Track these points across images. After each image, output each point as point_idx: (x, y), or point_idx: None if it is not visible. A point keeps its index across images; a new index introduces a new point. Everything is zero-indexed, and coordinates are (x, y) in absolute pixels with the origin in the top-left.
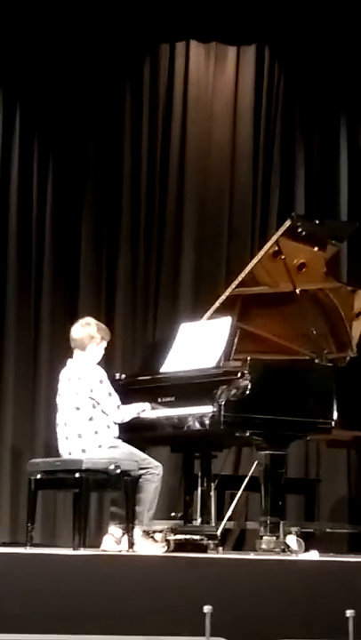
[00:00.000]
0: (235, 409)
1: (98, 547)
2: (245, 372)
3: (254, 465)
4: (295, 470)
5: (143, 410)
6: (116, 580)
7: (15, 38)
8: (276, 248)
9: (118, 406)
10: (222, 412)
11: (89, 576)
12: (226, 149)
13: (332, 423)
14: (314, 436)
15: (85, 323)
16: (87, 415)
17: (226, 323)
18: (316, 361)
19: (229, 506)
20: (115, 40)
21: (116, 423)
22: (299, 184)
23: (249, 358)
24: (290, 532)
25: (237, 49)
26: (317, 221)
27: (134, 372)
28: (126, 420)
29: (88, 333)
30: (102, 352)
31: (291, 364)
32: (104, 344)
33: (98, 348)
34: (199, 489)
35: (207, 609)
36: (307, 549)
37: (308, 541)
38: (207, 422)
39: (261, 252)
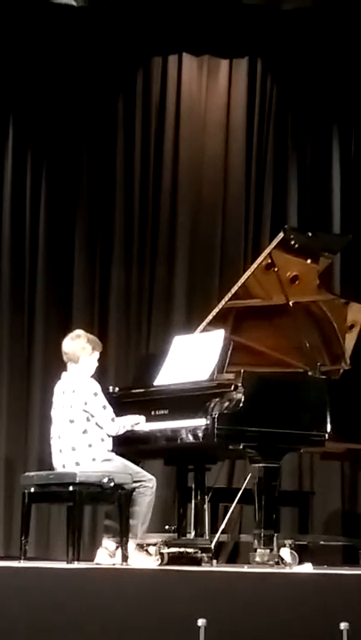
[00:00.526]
0: (228, 422)
1: (92, 560)
2: (239, 384)
3: (248, 477)
4: (289, 483)
5: (137, 423)
6: (109, 594)
7: (8, 51)
8: (269, 260)
9: (113, 419)
10: (216, 425)
11: (83, 589)
12: (218, 161)
13: (326, 436)
14: (307, 449)
15: (75, 335)
16: (81, 428)
17: (219, 335)
18: (310, 373)
19: (223, 518)
20: (107, 52)
21: (110, 436)
22: (291, 196)
23: (242, 371)
24: (284, 545)
25: (230, 62)
26: (310, 234)
27: (128, 384)
28: (121, 432)
29: (79, 346)
30: (96, 363)
31: (284, 377)
32: (96, 355)
33: (91, 359)
34: (193, 502)
35: (201, 622)
36: (301, 562)
37: (302, 554)
38: (201, 435)
39: (254, 265)
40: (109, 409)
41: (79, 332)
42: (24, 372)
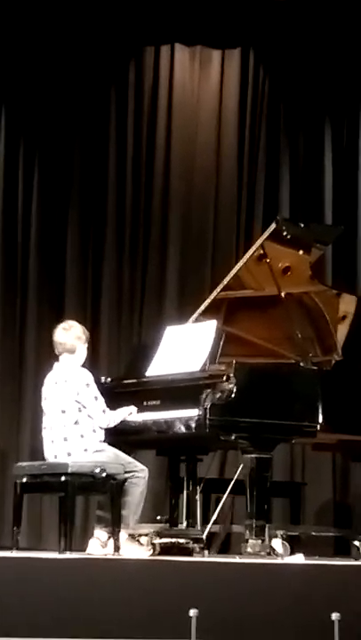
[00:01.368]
0: (220, 412)
1: (84, 550)
2: (231, 375)
3: (240, 468)
4: (281, 474)
5: (130, 414)
6: (101, 584)
7: None
8: (262, 251)
9: (104, 410)
10: (208, 416)
11: (75, 580)
12: (211, 152)
13: (318, 426)
14: (299, 440)
15: (69, 325)
16: (73, 419)
17: (211, 326)
18: (302, 364)
19: (215, 509)
20: (99, 43)
21: (101, 428)
22: (284, 187)
23: (234, 362)
24: (275, 536)
25: (222, 52)
26: (302, 225)
27: (120, 375)
28: (112, 425)
29: (74, 335)
30: (85, 353)
31: (276, 368)
32: (87, 344)
33: (83, 349)
34: (185, 492)
35: (193, 612)
36: (292, 553)
37: (294, 545)
38: (193, 426)
39: (246, 256)
40: (101, 400)
41: (71, 322)
42: (16, 362)
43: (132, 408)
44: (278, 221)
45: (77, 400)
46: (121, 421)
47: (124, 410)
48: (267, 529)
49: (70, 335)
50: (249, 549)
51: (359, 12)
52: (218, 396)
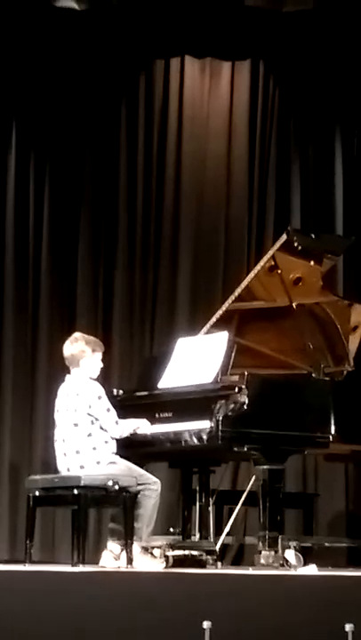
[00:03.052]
0: (232, 424)
1: (97, 563)
2: (243, 386)
3: (252, 480)
4: (293, 485)
5: (138, 427)
6: (114, 597)
7: (11, 54)
8: (273, 262)
9: (116, 422)
10: (220, 428)
11: (88, 592)
12: (221, 163)
13: (330, 437)
14: (312, 451)
15: (74, 339)
16: (86, 431)
17: (223, 337)
18: (314, 375)
19: (228, 521)
20: (110, 56)
21: (113, 439)
22: (295, 198)
23: (246, 373)
24: (288, 547)
25: (232, 64)
26: (313, 235)
27: (132, 387)
28: (124, 435)
29: (78, 349)
30: (99, 364)
31: (288, 379)
32: (98, 355)
33: (92, 361)
34: (197, 504)
35: (206, 624)
36: (305, 564)
37: (307, 556)
38: (205, 437)
39: (258, 267)
40: (113, 412)
41: (77, 334)
42: (28, 375)
43: (145, 421)
44: (289, 232)
45: (90, 413)
46: (133, 434)
47: (137, 420)
48: (280, 540)
49: (74, 349)
50: (262, 561)
51: None
52: (230, 407)
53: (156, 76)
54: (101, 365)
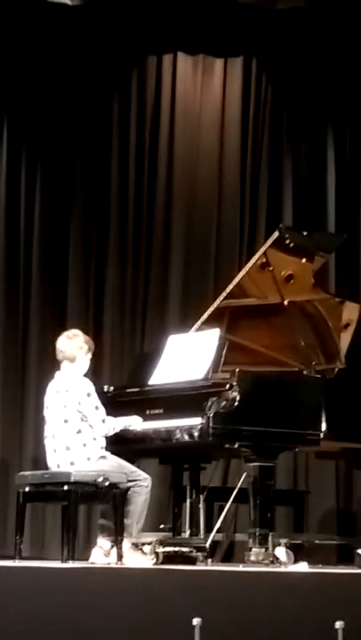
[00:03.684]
0: (223, 421)
1: (87, 559)
2: (234, 383)
3: (243, 477)
4: (284, 482)
5: (129, 425)
6: (104, 593)
7: (2, 50)
8: (265, 260)
9: (103, 420)
10: (211, 424)
11: (78, 589)
12: (213, 160)
13: (321, 435)
14: (303, 448)
15: (73, 334)
16: (75, 428)
17: (214, 334)
18: (305, 372)
19: (218, 518)
20: (102, 51)
21: (101, 436)
22: (286, 195)
23: (237, 370)
24: (279, 544)
25: (225, 61)
26: (305, 233)
27: (123, 384)
28: (111, 433)
29: (77, 345)
30: (89, 363)
31: (279, 376)
32: (90, 355)
33: (86, 359)
34: (188, 501)
35: (196, 621)
36: (296, 561)
37: (297, 553)
38: (196, 434)
39: (249, 264)
40: (102, 409)
41: (76, 331)
42: (18, 371)
43: (135, 419)
44: (281, 230)
45: (79, 409)
46: (124, 430)
47: (125, 419)
48: (270, 537)
49: (73, 344)
50: (252, 558)
51: None
52: (221, 404)
53: (149, 72)
54: (89, 365)
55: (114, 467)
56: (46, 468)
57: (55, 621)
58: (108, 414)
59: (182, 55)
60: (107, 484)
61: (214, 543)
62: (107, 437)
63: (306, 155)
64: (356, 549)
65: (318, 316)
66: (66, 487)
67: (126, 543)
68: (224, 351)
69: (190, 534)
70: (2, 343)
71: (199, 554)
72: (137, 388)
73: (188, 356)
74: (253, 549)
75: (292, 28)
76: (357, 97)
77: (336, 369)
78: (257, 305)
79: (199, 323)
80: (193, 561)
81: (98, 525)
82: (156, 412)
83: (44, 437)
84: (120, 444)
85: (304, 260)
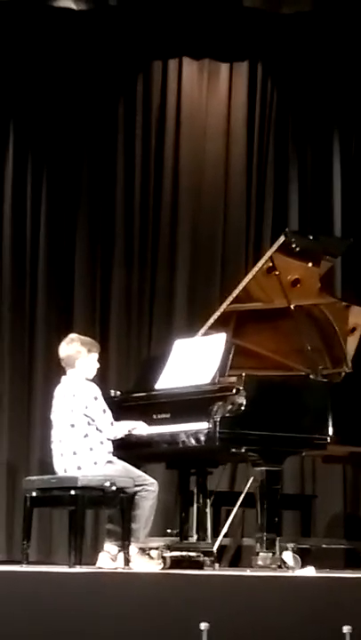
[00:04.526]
0: (230, 425)
1: (94, 564)
2: (240, 388)
3: (250, 481)
4: (291, 486)
5: (134, 428)
6: (112, 598)
7: (8, 55)
8: (271, 264)
9: (112, 423)
10: (218, 429)
11: (85, 593)
12: (219, 165)
13: (328, 439)
14: (309, 452)
15: (69, 340)
16: (82, 432)
17: (221, 339)
18: (311, 377)
19: (225, 522)
20: (108, 57)
21: (109, 439)
22: (292, 200)
23: (244, 374)
24: (286, 549)
25: (230, 65)
26: (311, 237)
27: (129, 388)
28: (119, 436)
29: (74, 350)
30: (95, 364)
31: (286, 380)
32: (94, 356)
33: (88, 361)
34: (195, 505)
35: (204, 626)
36: (303, 565)
37: (305, 557)
38: (203, 439)
39: (255, 268)
40: (109, 413)
41: (73, 335)
42: (25, 376)
43: (140, 423)
44: (287, 234)
45: (86, 414)
46: (128, 435)
47: (131, 422)
48: (277, 542)
49: (69, 350)
50: (260, 562)
51: None
52: (228, 408)
53: (154, 77)
54: (97, 366)
55: (121, 471)
56: (53, 472)
57: (62, 626)
58: (114, 419)
59: (188, 60)
60: (114, 488)
61: (221, 548)
62: (113, 442)
63: (312, 159)
64: None
65: (325, 321)
66: (73, 492)
67: (133, 548)
68: (230, 355)
69: (197, 539)
70: (9, 349)
71: (206, 558)
72: (144, 393)
73: (194, 360)
74: (261, 554)
75: (298, 33)
76: None
77: (343, 373)
78: (263, 309)
79: (205, 327)
80: (200, 565)
81: (105, 530)
82: (163, 416)
83: (50, 442)
84: (127, 449)
85: (310, 265)
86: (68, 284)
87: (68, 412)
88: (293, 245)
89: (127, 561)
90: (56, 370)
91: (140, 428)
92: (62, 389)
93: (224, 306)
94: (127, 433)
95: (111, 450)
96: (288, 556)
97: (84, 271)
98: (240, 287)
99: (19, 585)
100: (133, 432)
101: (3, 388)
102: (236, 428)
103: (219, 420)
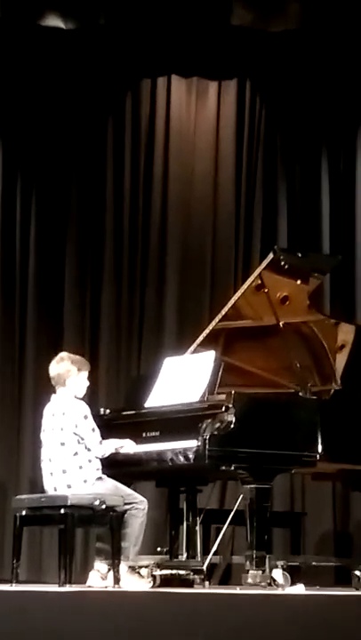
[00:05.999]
0: (219, 443)
1: (84, 583)
2: (230, 405)
3: (239, 499)
4: (281, 504)
5: (122, 446)
6: (102, 616)
7: None
8: (260, 281)
9: (100, 441)
10: (207, 446)
11: (75, 612)
12: (208, 183)
13: (317, 456)
14: (299, 470)
15: (59, 358)
16: (72, 450)
17: (210, 356)
18: (301, 394)
19: (215, 540)
20: (96, 75)
21: (97, 457)
22: (281, 217)
23: (233, 392)
24: (276, 566)
25: (219, 83)
26: (300, 254)
27: (119, 407)
28: (107, 455)
29: (64, 368)
30: (85, 382)
31: (275, 398)
32: (84, 374)
33: (78, 380)
34: (185, 523)
35: None
36: (293, 583)
37: (295, 575)
38: (192, 457)
39: (245, 286)
40: (97, 431)
41: (63, 354)
42: (15, 394)
43: (128, 441)
44: (276, 251)
45: (76, 432)
46: (116, 453)
47: (119, 441)
48: (267, 559)
49: (59, 368)
50: (250, 580)
51: (354, 42)
52: (217, 426)
53: (143, 95)
54: (87, 384)
55: (110, 489)
56: (43, 491)
57: None
58: (104, 437)
59: (176, 78)
60: (103, 507)
61: (211, 566)
62: (102, 460)
63: (300, 176)
64: (353, 571)
65: (314, 338)
66: (63, 510)
67: (123, 566)
68: (220, 373)
69: (187, 557)
70: None
71: (196, 576)
72: (133, 411)
73: (183, 378)
74: (250, 572)
75: (286, 51)
76: (351, 118)
77: (332, 390)
78: (252, 327)
79: (195, 345)
80: (190, 584)
81: (95, 549)
82: (153, 434)
83: (40, 461)
84: (117, 467)
85: (299, 282)
86: (57, 303)
87: (57, 430)
88: (282, 263)
89: (117, 579)
90: (46, 388)
91: (127, 447)
92: (52, 408)
93: (213, 323)
94: (114, 451)
95: (99, 467)
96: (278, 574)
97: (74, 289)
98: (229, 305)
99: (8, 604)
100: (121, 450)
101: None
102: (226, 446)
103: (208, 437)
